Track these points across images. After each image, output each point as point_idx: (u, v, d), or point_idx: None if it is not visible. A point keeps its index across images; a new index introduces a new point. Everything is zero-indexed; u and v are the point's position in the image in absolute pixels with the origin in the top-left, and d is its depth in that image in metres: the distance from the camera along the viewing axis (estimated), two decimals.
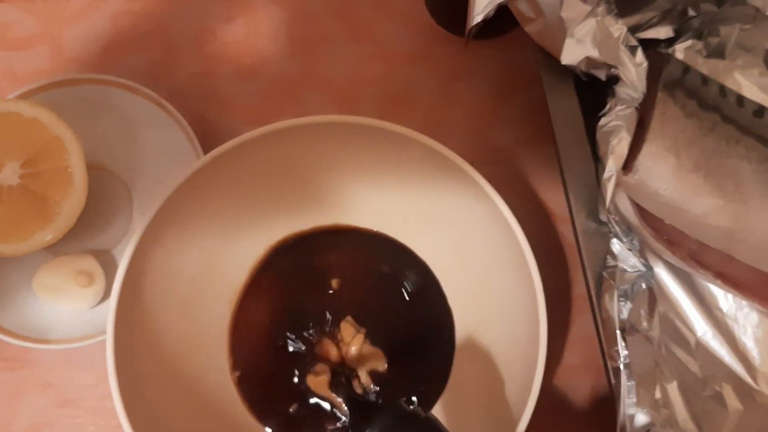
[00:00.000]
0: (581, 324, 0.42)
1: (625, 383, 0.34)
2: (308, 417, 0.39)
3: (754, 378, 0.39)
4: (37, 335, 0.40)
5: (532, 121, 0.46)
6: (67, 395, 0.41)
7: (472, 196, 0.38)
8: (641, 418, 0.34)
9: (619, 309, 0.36)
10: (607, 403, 0.39)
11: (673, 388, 0.37)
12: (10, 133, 0.40)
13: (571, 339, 0.41)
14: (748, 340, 0.40)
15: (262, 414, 0.40)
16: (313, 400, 0.40)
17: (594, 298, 0.36)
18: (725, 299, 0.40)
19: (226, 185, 0.39)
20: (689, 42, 0.42)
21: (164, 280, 0.38)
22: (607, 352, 0.35)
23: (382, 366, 0.40)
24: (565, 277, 0.42)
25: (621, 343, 0.35)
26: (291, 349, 0.40)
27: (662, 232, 0.38)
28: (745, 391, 0.39)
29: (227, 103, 0.47)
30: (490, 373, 0.38)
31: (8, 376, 0.42)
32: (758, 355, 0.39)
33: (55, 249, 0.42)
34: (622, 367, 0.34)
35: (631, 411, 0.34)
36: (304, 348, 0.40)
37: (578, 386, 0.41)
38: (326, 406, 0.40)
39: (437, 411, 0.39)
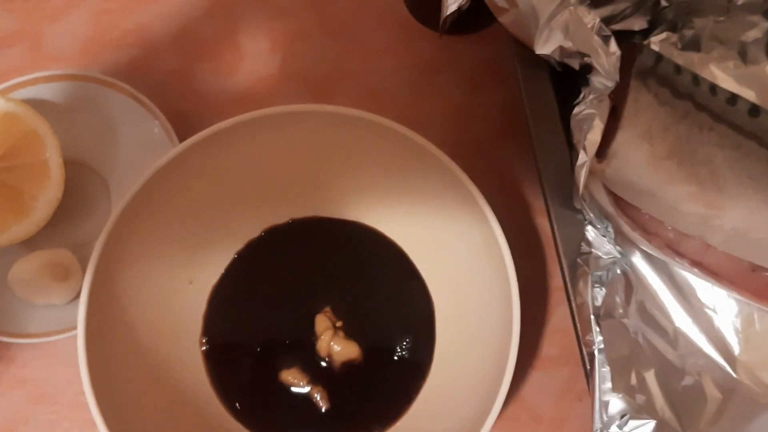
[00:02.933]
0: (559, 316, 0.41)
1: (600, 369, 0.34)
2: (285, 409, 0.39)
3: (733, 368, 0.39)
4: (13, 329, 0.40)
5: (509, 114, 0.46)
6: (43, 391, 0.41)
7: (448, 187, 0.38)
8: (616, 404, 0.34)
9: (594, 295, 0.36)
10: (584, 393, 0.39)
11: (650, 376, 0.36)
12: None
13: (549, 330, 0.41)
14: (727, 329, 0.40)
15: (237, 410, 0.39)
16: (289, 393, 0.39)
17: (569, 284, 0.36)
18: (703, 288, 0.40)
19: (202, 175, 0.39)
20: (664, 35, 0.43)
21: (139, 270, 0.38)
22: (582, 338, 0.35)
23: (357, 358, 0.40)
24: (543, 269, 0.42)
25: (595, 329, 0.35)
26: (267, 341, 0.40)
27: (638, 222, 0.38)
28: (724, 381, 0.38)
29: (206, 100, 0.47)
30: (468, 360, 0.38)
31: None
32: (737, 344, 0.39)
33: (32, 244, 0.42)
34: (596, 352, 0.34)
35: (606, 397, 0.34)
36: (280, 341, 0.40)
37: (556, 377, 0.41)
38: (303, 397, 0.39)
39: (418, 403, 0.39)
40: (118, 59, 0.48)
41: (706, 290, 0.40)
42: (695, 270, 0.38)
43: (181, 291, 0.40)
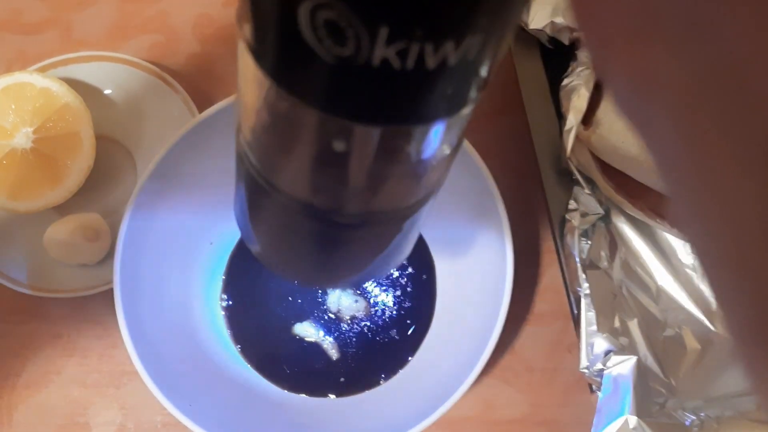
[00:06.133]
0: (551, 276, 0.45)
1: (586, 313, 0.38)
2: (298, 359, 0.42)
3: (711, 322, 0.42)
4: (49, 286, 0.43)
5: (504, 93, 0.49)
6: (75, 345, 0.44)
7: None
8: (601, 344, 0.37)
9: (581, 248, 0.39)
10: (574, 345, 0.42)
11: (633, 325, 0.40)
12: (24, 101, 0.44)
13: (541, 289, 0.44)
14: (706, 287, 0.43)
15: (254, 360, 0.43)
16: (301, 344, 0.43)
17: (557, 238, 0.39)
18: (684, 249, 0.43)
19: (221, 145, 0.41)
20: None
21: (164, 230, 0.41)
22: (570, 287, 0.38)
23: (364, 312, 0.43)
24: (537, 233, 0.46)
25: (582, 276, 0.38)
26: (280, 298, 0.44)
27: (622, 186, 0.41)
28: (703, 334, 0.42)
29: (225, 81, 0.50)
30: (465, 314, 0.41)
31: (21, 329, 0.45)
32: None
33: (64, 209, 0.45)
34: (583, 297, 0.38)
35: (592, 339, 0.38)
36: (292, 297, 0.44)
37: (548, 331, 0.44)
38: (314, 348, 0.43)
39: (420, 353, 0.42)
40: (142, 44, 0.51)
41: (686, 251, 0.43)
42: (675, 230, 0.41)
43: (202, 251, 0.44)
